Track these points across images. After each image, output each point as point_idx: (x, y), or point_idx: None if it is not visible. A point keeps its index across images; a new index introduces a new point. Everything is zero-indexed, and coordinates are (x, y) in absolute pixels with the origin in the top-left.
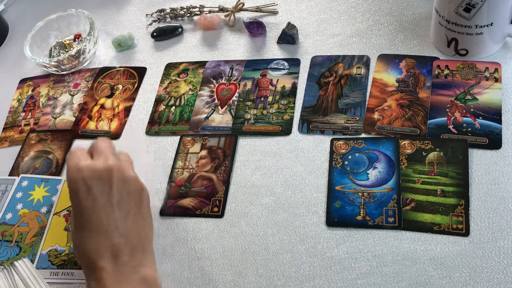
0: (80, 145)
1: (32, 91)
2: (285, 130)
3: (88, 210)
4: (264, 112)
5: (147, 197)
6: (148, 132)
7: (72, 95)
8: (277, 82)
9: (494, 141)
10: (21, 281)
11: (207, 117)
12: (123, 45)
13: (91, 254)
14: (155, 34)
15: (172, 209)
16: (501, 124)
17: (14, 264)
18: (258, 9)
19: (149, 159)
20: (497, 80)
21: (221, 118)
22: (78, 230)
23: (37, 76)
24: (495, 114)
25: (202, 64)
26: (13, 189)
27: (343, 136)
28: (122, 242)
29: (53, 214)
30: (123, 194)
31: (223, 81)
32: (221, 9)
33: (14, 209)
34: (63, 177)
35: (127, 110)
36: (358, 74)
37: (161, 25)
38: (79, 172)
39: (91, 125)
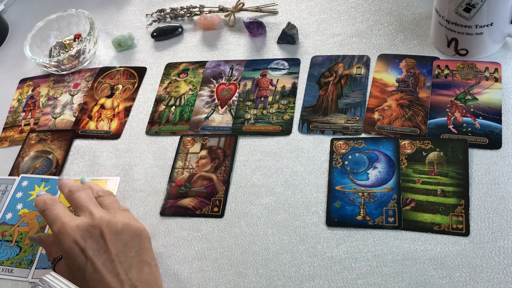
0: (44, 194)
1: (32, 91)
2: (285, 130)
3: (90, 272)
4: (264, 112)
5: (146, 237)
6: (148, 132)
7: (72, 95)
8: (277, 82)
9: (494, 141)
10: None
11: (207, 117)
12: (123, 45)
13: None
14: (155, 34)
15: (172, 209)
16: (501, 124)
17: (43, 279)
18: (258, 9)
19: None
20: (497, 80)
21: (221, 118)
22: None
23: (37, 76)
24: (495, 114)
25: (202, 64)
26: (13, 189)
27: (343, 136)
28: None
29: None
30: (119, 247)
31: (223, 81)
32: (221, 9)
33: (14, 209)
34: (63, 177)
35: (127, 110)
36: (358, 74)
37: (161, 25)
38: (69, 236)
39: (91, 125)
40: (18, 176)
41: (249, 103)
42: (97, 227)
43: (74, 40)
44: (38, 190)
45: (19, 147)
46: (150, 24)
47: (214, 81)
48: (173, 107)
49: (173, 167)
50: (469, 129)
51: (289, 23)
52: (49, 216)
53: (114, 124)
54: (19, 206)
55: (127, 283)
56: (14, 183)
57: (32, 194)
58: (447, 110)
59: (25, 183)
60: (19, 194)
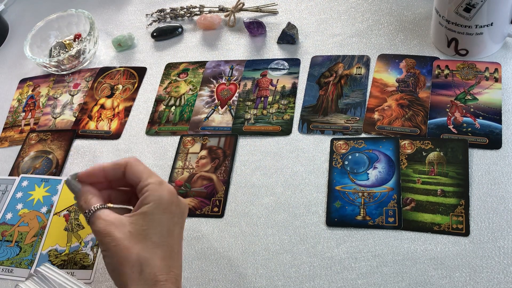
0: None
1: (32, 91)
2: (285, 130)
3: (169, 229)
4: (264, 112)
5: None
6: (148, 132)
7: (72, 95)
8: (277, 82)
9: (494, 141)
10: (56, 284)
11: (207, 117)
12: (123, 45)
13: (155, 269)
14: (155, 34)
15: None
16: (501, 124)
17: (38, 270)
18: (258, 9)
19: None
20: (497, 80)
21: (221, 118)
22: (143, 238)
23: (37, 76)
24: (495, 114)
25: (202, 64)
26: (13, 189)
27: (343, 136)
28: (179, 274)
29: (53, 214)
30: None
31: (223, 81)
32: (221, 9)
33: (14, 209)
34: (63, 177)
35: (127, 110)
36: (358, 74)
37: (161, 25)
38: (170, 191)
39: (91, 125)
40: (18, 176)
41: (249, 103)
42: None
43: (74, 40)
44: (38, 190)
45: (19, 147)
46: (150, 24)
47: (214, 81)
48: (173, 107)
49: (173, 167)
50: (469, 129)
51: (289, 23)
52: (142, 168)
53: (114, 124)
54: (19, 206)
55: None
56: (14, 183)
57: (32, 194)
58: (447, 110)
59: (25, 183)
60: (19, 194)
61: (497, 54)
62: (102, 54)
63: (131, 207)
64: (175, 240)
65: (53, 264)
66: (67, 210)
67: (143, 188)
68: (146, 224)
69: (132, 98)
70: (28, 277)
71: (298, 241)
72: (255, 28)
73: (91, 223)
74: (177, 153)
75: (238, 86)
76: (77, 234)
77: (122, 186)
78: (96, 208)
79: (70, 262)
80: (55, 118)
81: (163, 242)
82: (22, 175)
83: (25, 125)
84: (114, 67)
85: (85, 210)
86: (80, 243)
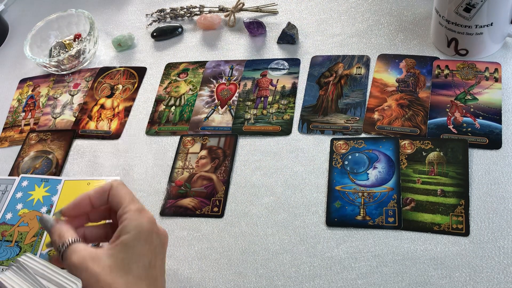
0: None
1: (32, 91)
2: (285, 130)
3: (150, 261)
4: (264, 112)
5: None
6: (148, 132)
7: (72, 95)
8: (277, 82)
9: (494, 141)
10: (36, 274)
11: (207, 117)
12: (123, 45)
13: None
14: (155, 34)
15: (172, 209)
16: (501, 124)
17: (18, 260)
18: (258, 9)
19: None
20: (497, 80)
21: (221, 118)
22: (125, 273)
23: (37, 76)
24: (495, 114)
25: (202, 64)
26: (13, 189)
27: (343, 136)
28: None
29: (53, 214)
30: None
31: (223, 81)
32: (221, 9)
33: (14, 209)
34: (63, 177)
35: (127, 110)
36: (358, 74)
37: (161, 25)
38: (149, 220)
39: (91, 125)
40: (18, 176)
41: (249, 103)
42: (165, 234)
43: (74, 40)
44: (38, 190)
45: (19, 147)
46: (150, 24)
47: (214, 81)
48: (173, 107)
49: (173, 167)
50: (469, 129)
51: (289, 23)
52: (123, 193)
53: (114, 124)
54: (19, 206)
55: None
56: (14, 183)
57: (32, 194)
58: (447, 110)
59: (25, 183)
60: (19, 194)
61: (497, 54)
62: (102, 54)
63: (110, 220)
64: (158, 272)
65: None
66: None
67: (122, 215)
68: (127, 256)
69: (132, 98)
70: (8, 267)
71: (298, 241)
72: (255, 28)
73: (66, 258)
74: (177, 153)
75: (238, 86)
76: None
77: (106, 213)
78: (70, 241)
79: None
80: (55, 118)
81: (146, 275)
82: (22, 175)
83: (25, 125)
84: (114, 67)
85: (58, 245)
86: None
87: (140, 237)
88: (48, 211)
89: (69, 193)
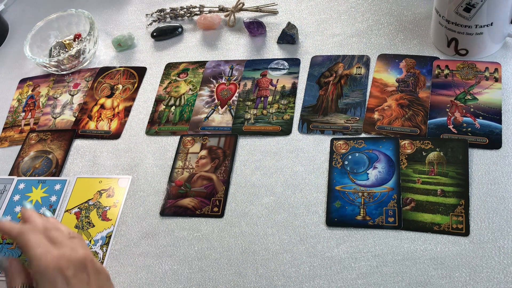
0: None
1: (32, 91)
2: (285, 130)
3: None
4: (264, 112)
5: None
6: (148, 132)
7: (72, 95)
8: (277, 82)
9: (494, 141)
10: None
11: (207, 117)
12: (123, 45)
13: None
14: (155, 34)
15: (172, 209)
16: (501, 124)
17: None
18: (258, 9)
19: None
20: (497, 80)
21: (221, 118)
22: None
23: (37, 76)
24: (495, 114)
25: (202, 64)
26: (10, 192)
27: (343, 136)
28: None
29: (64, 212)
30: (99, 285)
31: (223, 81)
32: (221, 9)
33: (13, 212)
34: (63, 177)
35: (127, 110)
36: (358, 74)
37: (161, 25)
38: (53, 261)
39: (91, 125)
40: (18, 176)
41: (249, 103)
42: (83, 261)
43: (74, 40)
44: (36, 191)
45: (19, 147)
46: (150, 24)
47: (214, 81)
48: (173, 107)
49: (173, 167)
50: (469, 129)
51: (289, 23)
52: (28, 240)
53: (114, 124)
54: (17, 209)
55: None
56: (12, 183)
57: (30, 196)
58: (447, 110)
59: (21, 186)
60: (16, 197)
61: (497, 54)
62: (102, 54)
63: None
64: None
65: None
66: (78, 208)
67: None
68: None
69: (132, 98)
70: None
71: (298, 241)
72: (255, 28)
73: None
74: (177, 153)
75: (238, 86)
76: (87, 232)
77: None
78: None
79: None
80: (55, 118)
81: None
82: (17, 178)
83: (25, 125)
84: (114, 67)
85: (12, 286)
86: (90, 241)
87: (45, 279)
88: (53, 211)
89: (80, 191)
